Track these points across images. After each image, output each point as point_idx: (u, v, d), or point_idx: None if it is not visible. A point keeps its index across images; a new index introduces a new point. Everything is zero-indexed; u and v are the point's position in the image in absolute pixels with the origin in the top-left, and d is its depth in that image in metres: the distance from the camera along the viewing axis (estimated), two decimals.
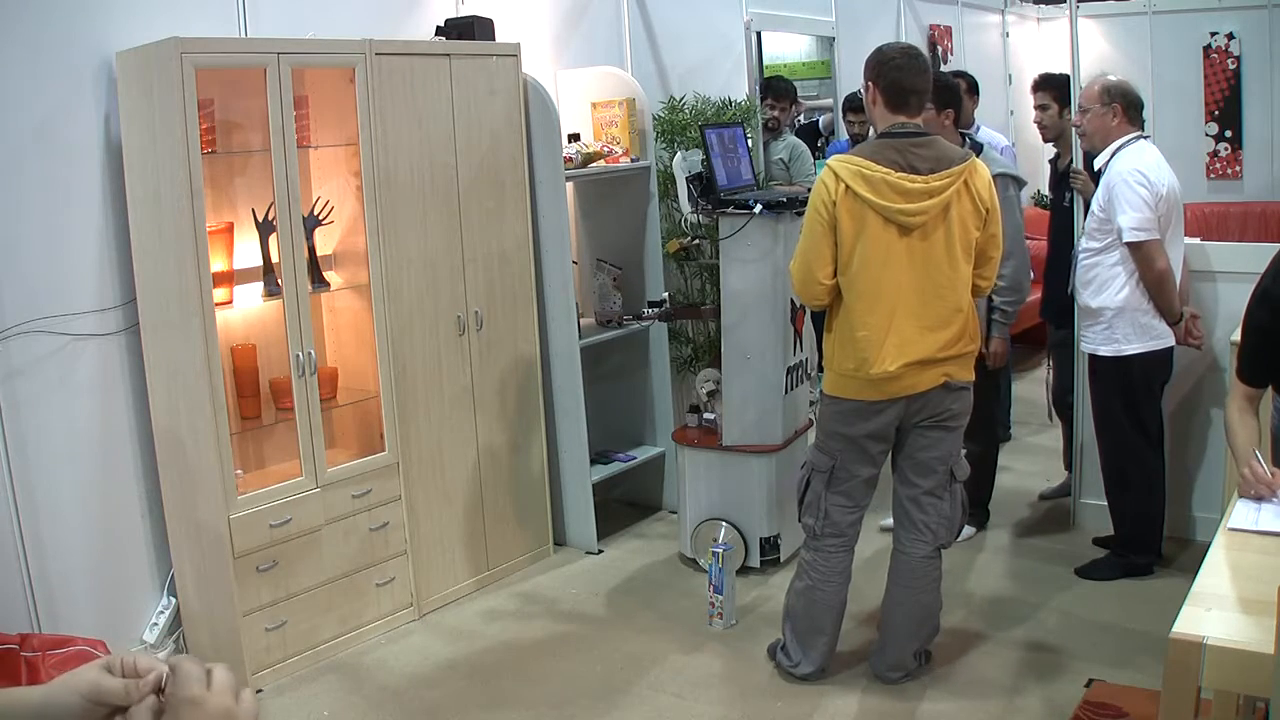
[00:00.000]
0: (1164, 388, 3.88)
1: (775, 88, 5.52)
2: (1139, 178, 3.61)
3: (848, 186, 2.95)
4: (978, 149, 3.81)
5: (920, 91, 3.07)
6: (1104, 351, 3.79)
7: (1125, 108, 3.72)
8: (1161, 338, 3.73)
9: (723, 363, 4.02)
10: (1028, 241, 5.98)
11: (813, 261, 3.04)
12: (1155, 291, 3.67)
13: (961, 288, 3.05)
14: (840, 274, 3.03)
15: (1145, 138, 3.77)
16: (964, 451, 3.28)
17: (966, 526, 4.06)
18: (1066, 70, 4.46)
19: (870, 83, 3.10)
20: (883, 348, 2.99)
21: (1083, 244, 3.86)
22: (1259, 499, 2.35)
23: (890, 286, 2.99)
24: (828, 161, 3.06)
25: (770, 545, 4.07)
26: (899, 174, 2.95)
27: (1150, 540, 3.91)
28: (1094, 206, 3.78)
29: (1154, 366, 3.77)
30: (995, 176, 3.67)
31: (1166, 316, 3.71)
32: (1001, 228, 3.15)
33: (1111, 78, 3.81)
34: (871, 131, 3.34)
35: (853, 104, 5.60)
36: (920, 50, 3.17)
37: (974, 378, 3.18)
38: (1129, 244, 3.63)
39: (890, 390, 3.04)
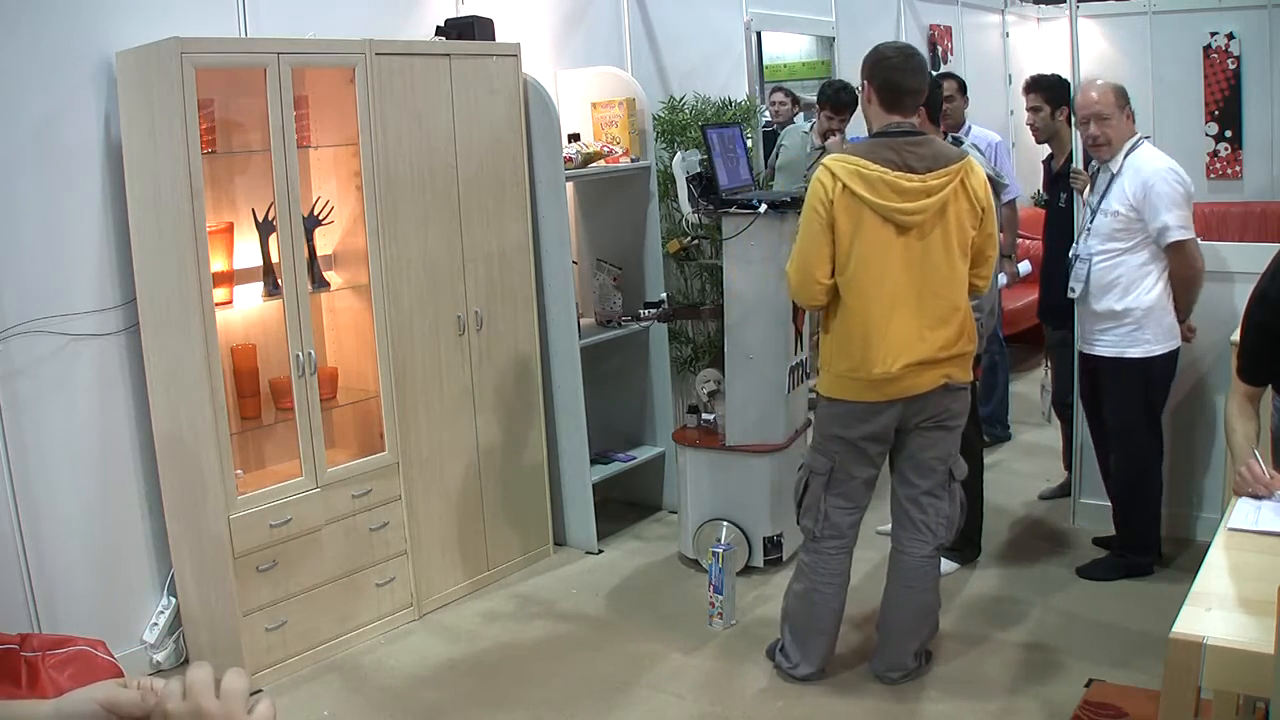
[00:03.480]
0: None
1: (838, 100, 4.87)
2: (1176, 176, 3.63)
3: (845, 185, 2.95)
4: (954, 146, 3.81)
5: (916, 91, 3.07)
6: (1132, 354, 3.75)
7: (1128, 105, 3.74)
8: (1178, 337, 3.78)
9: (725, 362, 4.02)
10: (1025, 242, 6.01)
11: (811, 261, 3.02)
12: (1193, 289, 3.72)
13: (959, 287, 3.05)
14: (838, 274, 3.03)
15: (1146, 137, 3.79)
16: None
17: (949, 561, 3.99)
18: (1063, 70, 4.46)
19: (866, 81, 3.11)
20: (883, 348, 2.98)
21: (1097, 245, 3.78)
22: (1256, 497, 2.36)
23: (889, 286, 2.98)
24: (823, 161, 3.06)
25: (773, 544, 4.07)
26: (896, 173, 2.94)
27: (1152, 540, 3.91)
28: (1116, 206, 3.70)
29: (1171, 366, 3.81)
30: None
31: (1185, 314, 3.75)
32: (997, 226, 3.16)
33: (1111, 81, 3.81)
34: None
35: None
36: (917, 50, 3.17)
37: (972, 377, 3.18)
38: (1173, 243, 3.61)
39: (890, 392, 3.03)
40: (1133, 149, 3.71)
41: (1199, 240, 3.73)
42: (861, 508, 3.23)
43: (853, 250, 2.98)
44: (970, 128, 5.28)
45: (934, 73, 6.38)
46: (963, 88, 5.29)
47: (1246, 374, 2.61)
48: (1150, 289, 3.70)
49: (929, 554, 3.20)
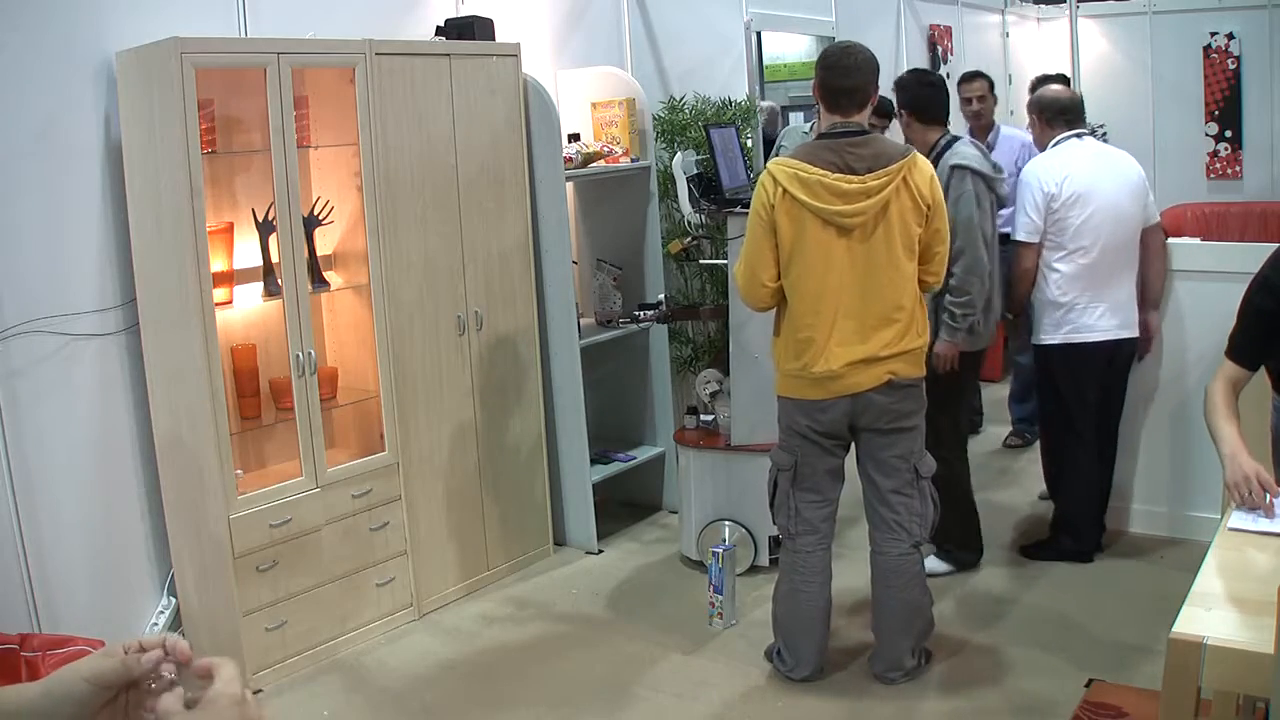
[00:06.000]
0: (1099, 383, 3.94)
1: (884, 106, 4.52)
2: (1031, 178, 3.86)
3: (785, 190, 2.97)
4: (950, 143, 3.81)
5: (852, 90, 3.04)
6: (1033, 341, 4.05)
7: (1039, 112, 4.00)
8: (1083, 331, 3.85)
9: (730, 362, 4.02)
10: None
11: (756, 265, 3.06)
12: (1009, 287, 3.94)
13: (904, 285, 3.06)
14: (783, 276, 3.06)
15: (1079, 135, 3.91)
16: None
17: (942, 562, 3.98)
18: (1064, 70, 4.51)
19: (813, 82, 3.15)
20: (826, 347, 3.03)
21: None
22: (1253, 509, 2.33)
23: (832, 287, 3.01)
24: (767, 165, 3.08)
25: (778, 543, 4.06)
26: (835, 175, 2.95)
27: (1081, 530, 4.03)
28: None
29: (1075, 359, 3.87)
30: (952, 168, 3.69)
31: (1011, 313, 4.03)
32: (947, 222, 3.15)
33: (1045, 88, 4.17)
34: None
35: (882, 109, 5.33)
36: (858, 48, 3.11)
37: (924, 373, 3.18)
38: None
39: (834, 389, 3.06)
40: (1055, 145, 3.95)
41: (1200, 241, 3.81)
42: (831, 500, 3.25)
43: (795, 253, 3.01)
44: (999, 128, 5.27)
45: (946, 72, 6.41)
46: (993, 87, 5.40)
47: (1238, 354, 2.60)
48: (1041, 279, 3.92)
49: (905, 551, 3.20)
